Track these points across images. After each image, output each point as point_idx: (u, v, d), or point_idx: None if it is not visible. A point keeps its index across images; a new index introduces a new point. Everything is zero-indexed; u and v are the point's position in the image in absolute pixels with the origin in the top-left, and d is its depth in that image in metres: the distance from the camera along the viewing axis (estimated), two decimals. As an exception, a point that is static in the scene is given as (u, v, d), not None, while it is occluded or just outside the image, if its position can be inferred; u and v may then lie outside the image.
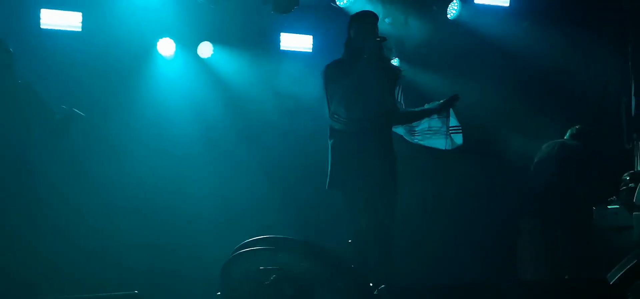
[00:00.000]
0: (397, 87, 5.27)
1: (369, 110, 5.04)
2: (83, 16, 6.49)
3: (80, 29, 6.49)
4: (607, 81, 7.36)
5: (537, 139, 7.44)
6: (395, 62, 7.44)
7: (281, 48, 7.19)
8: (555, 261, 6.55)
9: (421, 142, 5.36)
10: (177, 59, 6.94)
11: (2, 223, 5.11)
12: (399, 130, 5.37)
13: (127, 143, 6.64)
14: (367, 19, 5.16)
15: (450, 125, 5.26)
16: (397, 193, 5.19)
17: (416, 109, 5.28)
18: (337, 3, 6.96)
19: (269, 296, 3.75)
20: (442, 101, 5.25)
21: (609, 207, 5.88)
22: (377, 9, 7.00)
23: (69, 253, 6.05)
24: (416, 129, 5.34)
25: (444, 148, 5.29)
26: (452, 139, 5.28)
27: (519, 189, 7.31)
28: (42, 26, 6.40)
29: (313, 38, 7.22)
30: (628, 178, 5.88)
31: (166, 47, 6.84)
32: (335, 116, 5.06)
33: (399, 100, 5.28)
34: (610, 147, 7.27)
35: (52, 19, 6.43)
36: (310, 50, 7.21)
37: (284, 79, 7.08)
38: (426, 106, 5.27)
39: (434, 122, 5.27)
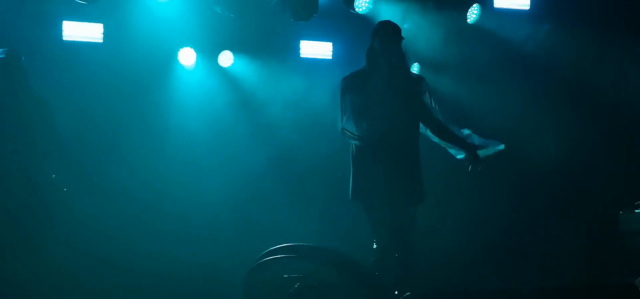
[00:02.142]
0: (426, 92, 5.22)
1: (382, 125, 5.02)
2: (104, 27, 6.53)
3: (101, 41, 6.54)
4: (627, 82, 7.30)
5: (559, 143, 7.40)
6: (415, 67, 7.44)
7: (301, 55, 7.19)
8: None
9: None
10: (198, 69, 6.96)
11: (14, 229, 5.16)
12: (435, 139, 5.40)
13: (149, 153, 6.66)
14: (388, 32, 5.14)
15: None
16: (422, 202, 5.19)
17: (454, 133, 5.27)
18: (357, 10, 6.95)
19: (293, 305, 3.76)
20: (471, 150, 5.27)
21: (636, 211, 5.80)
22: (396, 14, 7.01)
23: (87, 261, 6.07)
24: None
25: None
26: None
27: (544, 193, 7.27)
28: (64, 38, 6.46)
29: (333, 45, 7.22)
30: (653, 181, 5.82)
31: (187, 56, 6.87)
32: (346, 132, 5.08)
33: (433, 105, 5.24)
34: (629, 150, 7.21)
35: (74, 31, 6.48)
36: (330, 57, 7.21)
37: (305, 86, 7.08)
38: (462, 134, 5.29)
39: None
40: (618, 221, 5.97)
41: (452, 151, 5.40)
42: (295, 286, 3.77)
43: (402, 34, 5.19)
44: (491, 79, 7.45)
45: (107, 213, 6.37)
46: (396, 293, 3.78)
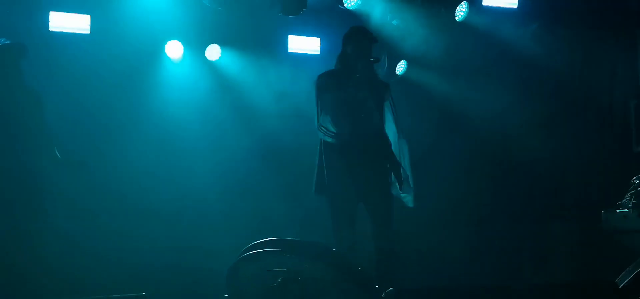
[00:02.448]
0: (387, 101, 5.46)
1: (357, 128, 5.23)
2: (91, 19, 6.48)
3: (88, 32, 6.50)
4: (616, 82, 7.33)
5: (546, 141, 7.43)
6: (402, 64, 7.44)
7: (289, 50, 7.18)
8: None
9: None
10: (185, 62, 6.94)
11: (11, 225, 5.14)
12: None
13: (135, 145, 6.64)
14: (364, 39, 5.36)
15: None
16: (391, 199, 5.38)
17: (403, 165, 5.47)
18: (345, 5, 6.94)
19: (276, 298, 3.76)
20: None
21: (617, 210, 5.85)
22: (384, 10, 7.01)
23: (76, 254, 6.07)
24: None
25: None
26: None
27: (527, 192, 7.30)
28: (50, 29, 6.42)
29: (321, 40, 7.21)
30: (637, 181, 5.85)
31: (174, 49, 6.85)
32: (323, 128, 5.27)
33: (394, 112, 5.48)
34: (620, 149, 7.24)
35: (60, 22, 6.43)
36: (318, 53, 7.20)
37: (292, 81, 7.08)
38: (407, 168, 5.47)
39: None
40: (601, 221, 6.01)
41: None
42: (279, 279, 3.77)
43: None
44: (479, 77, 7.47)
45: (92, 204, 6.35)
46: (377, 286, 3.79)
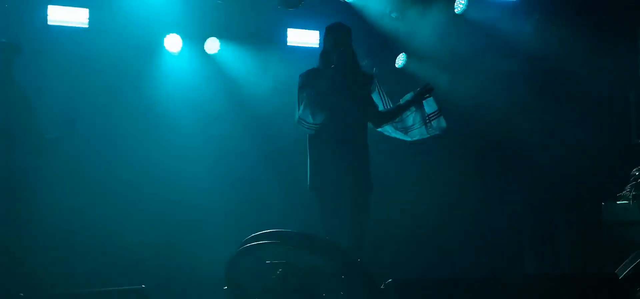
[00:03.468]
0: (375, 90, 5.45)
1: (334, 117, 5.27)
2: (90, 12, 6.49)
3: (87, 26, 6.49)
4: (615, 75, 7.32)
5: (546, 134, 7.42)
6: (401, 57, 7.43)
7: (288, 44, 7.17)
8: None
9: (413, 138, 5.53)
10: (184, 55, 6.93)
11: (12, 221, 5.15)
12: (397, 135, 5.55)
13: (133, 139, 6.63)
14: (340, 31, 5.40)
15: (427, 112, 5.41)
16: (371, 192, 5.39)
17: (392, 107, 5.46)
18: (344, -2, 6.94)
19: (276, 290, 3.75)
20: (414, 92, 5.40)
21: (618, 202, 5.85)
22: (383, 3, 7.00)
23: (75, 250, 6.07)
24: (407, 126, 5.49)
25: (427, 136, 5.46)
26: (433, 126, 5.42)
27: (526, 184, 7.30)
28: (49, 23, 6.40)
29: (320, 34, 7.19)
30: (638, 173, 5.86)
31: (173, 43, 6.84)
32: (302, 121, 5.33)
33: (384, 100, 5.46)
34: (619, 142, 7.23)
35: (59, 16, 6.43)
36: (317, 46, 7.18)
37: (291, 74, 7.06)
38: (401, 101, 5.44)
39: (417, 116, 5.44)
40: (601, 212, 6.01)
41: (421, 135, 5.48)
42: (278, 271, 3.77)
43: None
44: (478, 69, 7.45)
45: (90, 200, 6.34)
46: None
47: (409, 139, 5.56)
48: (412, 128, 5.50)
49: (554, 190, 7.39)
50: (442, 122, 5.44)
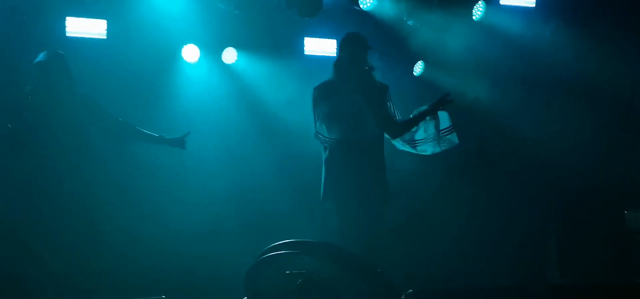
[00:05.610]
0: (389, 103, 5.45)
1: (349, 132, 5.31)
2: (108, 24, 6.52)
3: (105, 37, 6.52)
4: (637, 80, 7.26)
5: (564, 140, 7.35)
6: (419, 65, 7.40)
7: (305, 53, 7.17)
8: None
9: (423, 152, 5.56)
10: (202, 65, 6.94)
11: (32, 227, 5.17)
12: (405, 147, 5.58)
13: (152, 150, 6.63)
14: (358, 46, 5.42)
15: (441, 128, 5.43)
16: (387, 203, 5.42)
17: (409, 117, 5.47)
18: (361, 6, 6.91)
19: (295, 301, 3.73)
20: (432, 102, 5.41)
21: (641, 210, 5.79)
22: (400, 10, 6.97)
23: (94, 258, 6.07)
24: (416, 139, 5.52)
25: (439, 151, 5.51)
26: (445, 140, 5.46)
27: (547, 192, 7.22)
28: (67, 34, 6.44)
29: (337, 42, 7.17)
30: (660, 180, 5.79)
31: (191, 53, 6.85)
32: (319, 135, 5.43)
33: (393, 114, 5.47)
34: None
35: (77, 27, 6.46)
36: (335, 55, 7.17)
37: (309, 84, 7.05)
38: (415, 111, 5.46)
39: (429, 128, 5.46)
40: (624, 221, 5.95)
41: (431, 151, 5.51)
42: (298, 282, 3.74)
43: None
44: (496, 76, 7.41)
45: (110, 210, 6.34)
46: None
47: (415, 152, 5.55)
48: (423, 142, 5.49)
49: (576, 198, 7.32)
50: (455, 138, 5.48)
